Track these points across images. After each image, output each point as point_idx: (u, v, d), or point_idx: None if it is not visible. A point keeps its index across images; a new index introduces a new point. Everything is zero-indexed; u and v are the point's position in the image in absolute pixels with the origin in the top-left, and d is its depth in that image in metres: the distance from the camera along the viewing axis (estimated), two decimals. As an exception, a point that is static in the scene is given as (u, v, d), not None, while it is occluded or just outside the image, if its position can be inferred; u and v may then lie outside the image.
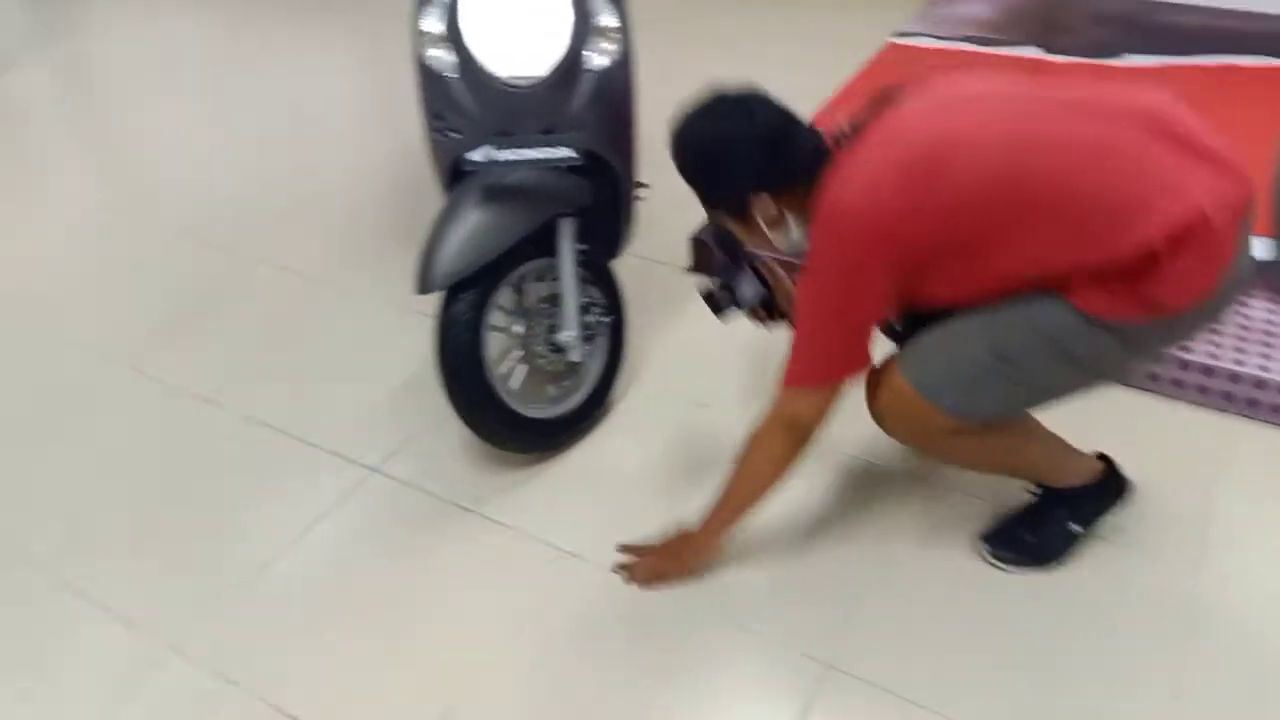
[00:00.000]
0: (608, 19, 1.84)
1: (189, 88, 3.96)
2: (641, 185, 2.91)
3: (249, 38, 4.43)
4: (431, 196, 1.97)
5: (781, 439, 1.56)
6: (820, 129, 1.50)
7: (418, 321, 2.26)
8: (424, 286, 1.78)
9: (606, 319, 2.06)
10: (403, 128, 2.95)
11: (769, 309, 1.77)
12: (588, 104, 1.83)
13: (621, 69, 1.87)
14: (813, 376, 1.51)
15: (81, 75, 4.28)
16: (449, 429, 1.98)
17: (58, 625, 1.75)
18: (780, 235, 1.53)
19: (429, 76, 1.85)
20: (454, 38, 1.80)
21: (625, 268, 2.64)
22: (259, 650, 1.69)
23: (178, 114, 3.73)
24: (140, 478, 2.08)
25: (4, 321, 2.59)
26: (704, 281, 1.77)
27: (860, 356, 1.49)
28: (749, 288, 1.72)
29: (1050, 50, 3.56)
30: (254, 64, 4.16)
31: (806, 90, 2.45)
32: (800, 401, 1.52)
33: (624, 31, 1.87)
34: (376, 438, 2.13)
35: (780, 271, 1.77)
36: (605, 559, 1.81)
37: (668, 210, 2.75)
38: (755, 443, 1.60)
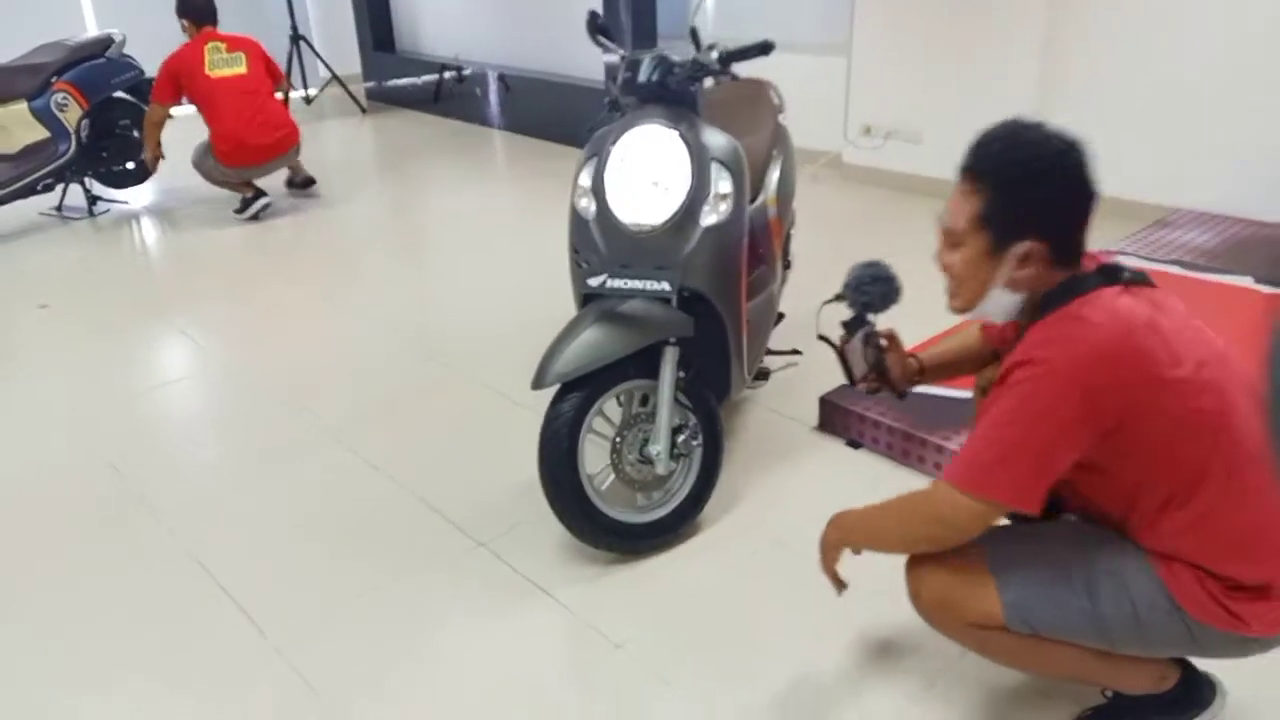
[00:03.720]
0: (722, 186, 2.17)
1: (475, 242, 4.77)
2: (795, 352, 3.16)
3: (527, 207, 5.29)
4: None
5: (922, 526, 1.48)
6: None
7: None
8: (536, 383, 2.10)
9: (696, 443, 2.27)
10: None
11: (880, 375, 1.85)
12: (694, 251, 2.14)
13: (729, 226, 2.17)
14: (980, 485, 1.39)
15: (404, 216, 5.29)
16: (553, 523, 2.24)
17: (191, 606, 2.17)
18: (1003, 293, 1.45)
19: (575, 219, 2.27)
20: (597, 190, 2.21)
21: (755, 418, 2.86)
22: (348, 658, 2.00)
23: (464, 261, 4.51)
24: (309, 513, 2.52)
25: (268, 382, 3.25)
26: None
27: (1033, 496, 1.37)
28: (865, 350, 1.82)
29: (1260, 281, 3.43)
30: (525, 228, 4.95)
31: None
32: (953, 503, 1.41)
33: (735, 197, 2.18)
34: (494, 520, 2.44)
35: (900, 343, 1.86)
36: (642, 655, 1.96)
37: (815, 379, 2.96)
38: (904, 508, 1.51)
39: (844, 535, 1.62)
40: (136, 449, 2.89)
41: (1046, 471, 1.38)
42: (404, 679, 1.95)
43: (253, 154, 4.86)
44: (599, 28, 2.51)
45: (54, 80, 4.83)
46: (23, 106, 4.72)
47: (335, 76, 7.75)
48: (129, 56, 5.18)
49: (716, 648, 2.00)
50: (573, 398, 2.13)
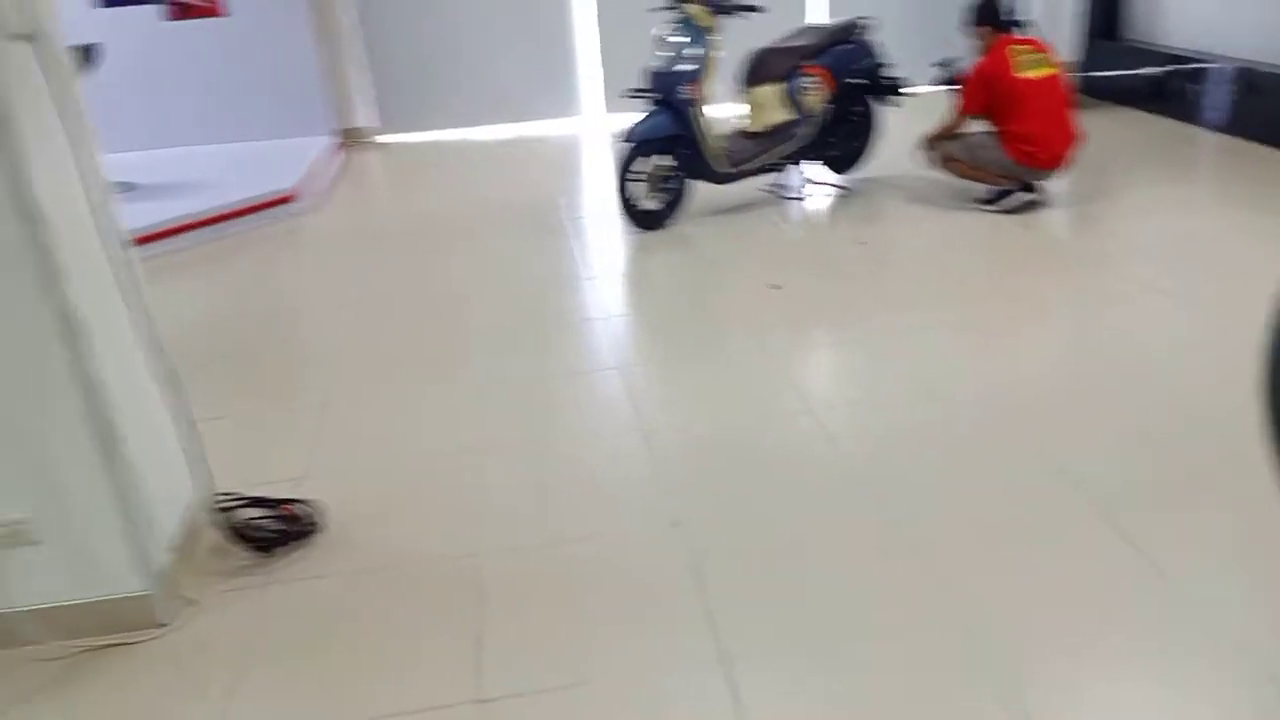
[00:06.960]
0: None
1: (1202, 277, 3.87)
2: None
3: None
4: None
5: None
6: None
7: None
8: None
9: None
10: None
11: None
12: None
13: None
14: None
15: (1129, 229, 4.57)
16: None
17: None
18: None
19: None
20: None
21: None
22: None
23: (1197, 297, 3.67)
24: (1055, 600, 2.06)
25: (1008, 407, 2.86)
26: None
27: None
28: None
29: None
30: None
31: None
32: None
33: None
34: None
35: None
36: None
37: None
38: None
39: None
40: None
41: None
42: None
43: (1049, 161, 4.63)
44: None
45: (805, 63, 4.97)
46: (779, 87, 4.93)
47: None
48: (870, 43, 5.15)
49: None
50: None
